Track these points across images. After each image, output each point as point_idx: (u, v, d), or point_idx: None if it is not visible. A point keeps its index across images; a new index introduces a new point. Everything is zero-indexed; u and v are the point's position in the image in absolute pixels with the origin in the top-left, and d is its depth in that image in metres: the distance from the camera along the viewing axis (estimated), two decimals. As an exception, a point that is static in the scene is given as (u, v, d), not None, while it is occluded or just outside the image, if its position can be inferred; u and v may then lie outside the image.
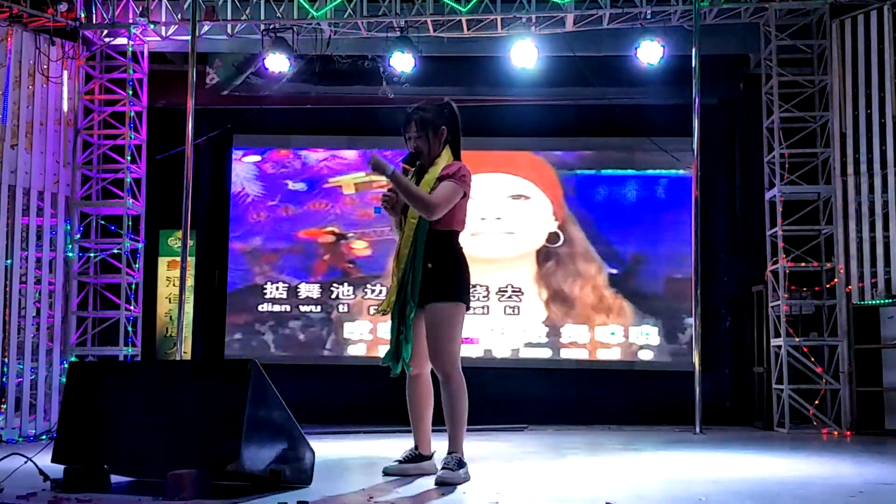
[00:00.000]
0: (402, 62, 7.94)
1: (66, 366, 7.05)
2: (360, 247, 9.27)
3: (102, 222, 8.19)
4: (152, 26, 8.01)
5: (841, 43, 7.76)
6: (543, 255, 9.13)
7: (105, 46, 8.15)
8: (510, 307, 9.08)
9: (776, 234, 7.82)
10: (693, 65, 7.63)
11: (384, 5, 7.88)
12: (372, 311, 9.04)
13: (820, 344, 7.70)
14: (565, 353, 9.01)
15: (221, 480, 3.48)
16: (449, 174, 3.98)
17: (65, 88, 7.86)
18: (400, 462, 4.16)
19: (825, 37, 7.82)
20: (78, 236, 7.95)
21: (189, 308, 8.96)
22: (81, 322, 7.96)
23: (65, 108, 7.87)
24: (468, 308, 4.05)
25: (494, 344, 9.05)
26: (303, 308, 9.25)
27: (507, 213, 9.18)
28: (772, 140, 7.92)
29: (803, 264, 7.79)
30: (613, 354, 8.99)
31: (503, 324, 9.07)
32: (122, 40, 8.09)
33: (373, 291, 9.13)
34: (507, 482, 4.01)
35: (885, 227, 7.38)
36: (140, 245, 8.14)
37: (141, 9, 8.00)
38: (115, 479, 3.67)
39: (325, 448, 5.43)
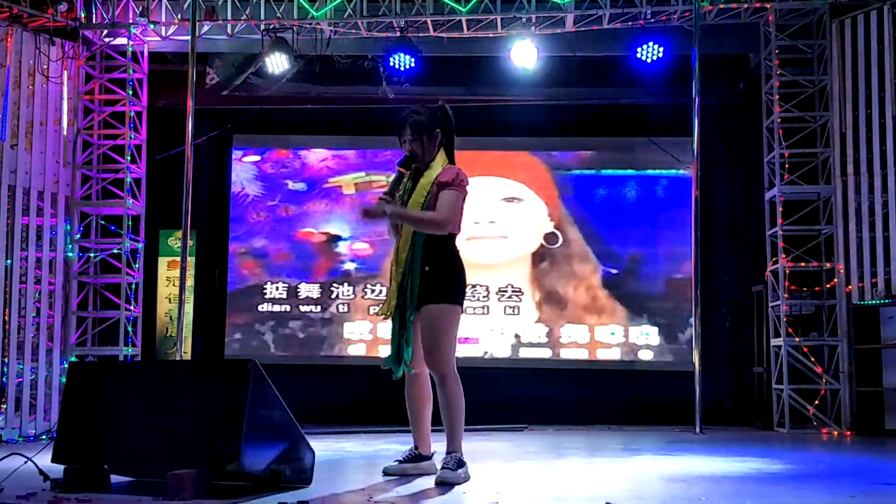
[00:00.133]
0: (402, 62, 7.95)
1: (66, 366, 7.05)
2: (360, 247, 9.27)
3: (102, 222, 8.19)
4: (152, 26, 8.01)
5: (841, 43, 7.76)
6: (540, 257, 9.13)
7: (105, 46, 8.15)
8: (510, 307, 9.08)
9: (776, 234, 7.82)
10: (693, 65, 7.63)
11: (384, 5, 7.88)
12: (372, 311, 9.04)
13: (820, 344, 7.70)
14: (565, 353, 9.01)
15: (221, 480, 3.48)
16: (448, 181, 3.99)
17: (65, 88, 7.86)
18: (400, 462, 4.16)
19: (825, 37, 7.82)
20: (78, 236, 7.95)
21: (189, 308, 8.96)
22: (81, 322, 7.96)
23: (65, 108, 7.87)
24: (462, 310, 4.07)
25: (494, 344, 9.05)
26: (303, 308, 9.25)
27: (502, 215, 9.17)
28: (772, 140, 7.92)
29: (803, 264, 7.79)
30: (613, 354, 8.99)
31: (503, 324, 9.07)
32: (122, 40, 8.09)
33: (373, 291, 9.13)
34: (507, 482, 4.01)
35: (885, 227, 7.39)
36: (140, 245, 8.14)
37: (141, 9, 8.00)
38: (115, 479, 3.68)
39: (325, 448, 5.43)
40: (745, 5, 7.78)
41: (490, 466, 4.68)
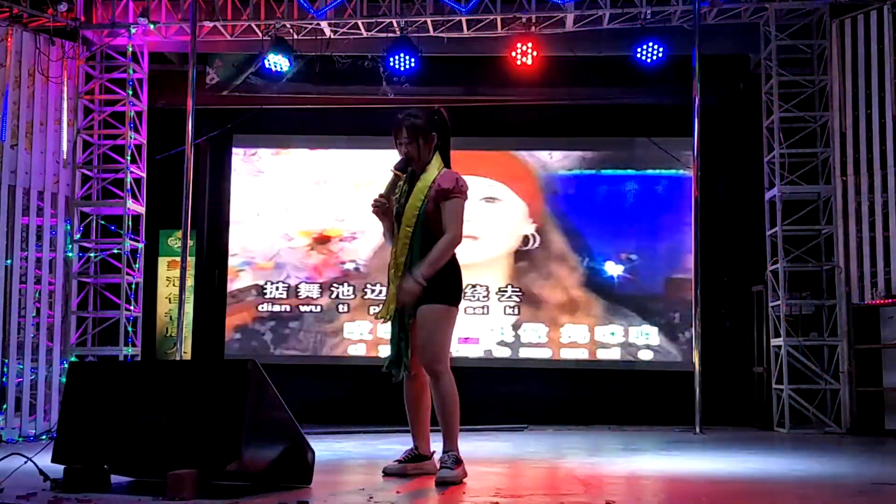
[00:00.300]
0: (402, 62, 7.95)
1: (66, 366, 7.06)
2: (360, 247, 9.26)
3: (102, 222, 8.19)
4: (152, 26, 8.01)
5: (841, 43, 7.77)
6: (536, 256, 9.13)
7: (105, 46, 8.15)
8: (510, 307, 9.09)
9: (776, 234, 7.82)
10: (693, 65, 7.63)
11: (384, 5, 7.88)
12: (372, 312, 9.04)
13: (820, 344, 7.70)
14: (565, 353, 9.01)
15: (221, 480, 3.48)
16: (450, 189, 4.00)
17: (65, 88, 7.86)
18: (400, 462, 4.17)
19: (825, 37, 7.82)
20: (78, 236, 7.95)
21: (189, 308, 8.96)
22: (81, 322, 7.96)
23: (65, 108, 7.87)
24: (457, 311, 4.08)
25: (494, 344, 9.05)
26: (303, 308, 9.25)
27: (487, 216, 9.18)
28: (772, 140, 7.92)
29: (803, 264, 7.79)
30: (613, 354, 8.99)
31: (503, 324, 9.07)
32: (122, 40, 8.09)
33: (373, 291, 9.13)
34: (507, 482, 4.01)
35: (885, 227, 7.39)
36: (140, 245, 8.14)
37: (141, 9, 8.00)
38: (115, 479, 3.67)
39: (325, 448, 5.43)
40: (745, 5, 7.78)
41: (490, 466, 4.68)
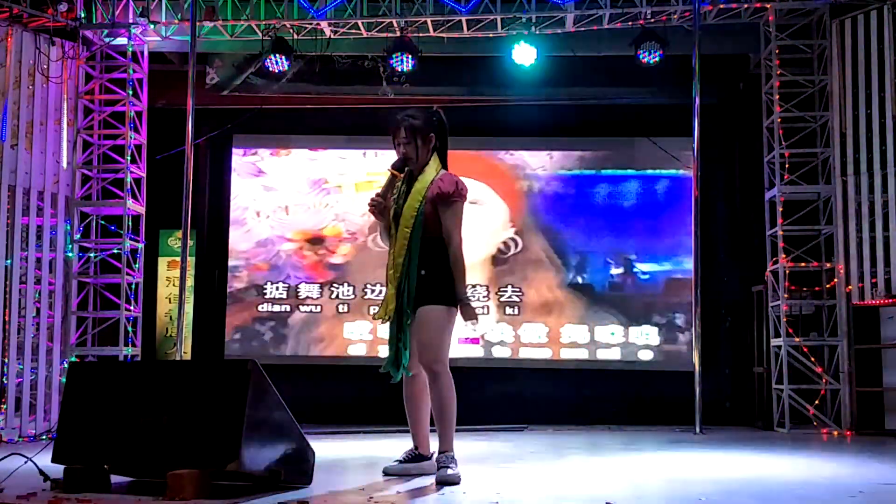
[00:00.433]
0: (402, 62, 7.94)
1: (66, 366, 7.06)
2: (360, 247, 9.26)
3: (102, 222, 8.19)
4: (152, 26, 8.01)
5: (841, 43, 7.76)
6: (536, 256, 9.13)
7: (105, 46, 8.15)
8: (510, 307, 9.08)
9: (776, 234, 7.82)
10: (693, 65, 7.63)
11: (384, 5, 7.88)
12: (371, 312, 9.04)
13: (820, 344, 7.70)
14: (565, 353, 9.01)
15: (221, 480, 3.48)
16: (450, 193, 4.02)
17: (65, 88, 7.86)
18: (400, 462, 4.18)
19: (825, 37, 7.82)
20: (78, 236, 7.95)
21: (189, 308, 8.96)
22: (81, 322, 7.95)
23: (65, 108, 7.87)
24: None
25: (494, 344, 9.05)
26: (303, 308, 9.25)
27: (498, 214, 9.18)
28: (772, 140, 7.92)
29: (803, 264, 7.79)
30: (613, 354, 8.99)
31: (503, 324, 9.07)
32: (122, 40, 8.09)
33: (373, 291, 9.13)
34: (507, 482, 4.01)
35: (885, 227, 7.39)
36: (140, 245, 8.14)
37: (141, 9, 8.00)
38: (115, 479, 3.68)
39: (325, 448, 5.43)
40: (745, 5, 7.78)
41: (490, 466, 4.68)
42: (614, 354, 8.99)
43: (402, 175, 4.11)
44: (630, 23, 7.85)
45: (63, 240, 7.77)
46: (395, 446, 4.83)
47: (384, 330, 4.20)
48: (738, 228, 9.07)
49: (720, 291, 8.88)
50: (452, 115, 4.32)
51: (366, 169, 9.29)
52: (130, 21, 8.03)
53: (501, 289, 9.10)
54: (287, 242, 9.33)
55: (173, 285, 9.12)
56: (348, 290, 9.21)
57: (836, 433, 7.32)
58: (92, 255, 8.06)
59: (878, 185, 7.47)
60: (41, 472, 3.62)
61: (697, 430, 7.23)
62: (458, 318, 4.05)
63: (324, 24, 7.96)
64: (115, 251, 8.00)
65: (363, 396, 8.13)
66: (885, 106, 7.46)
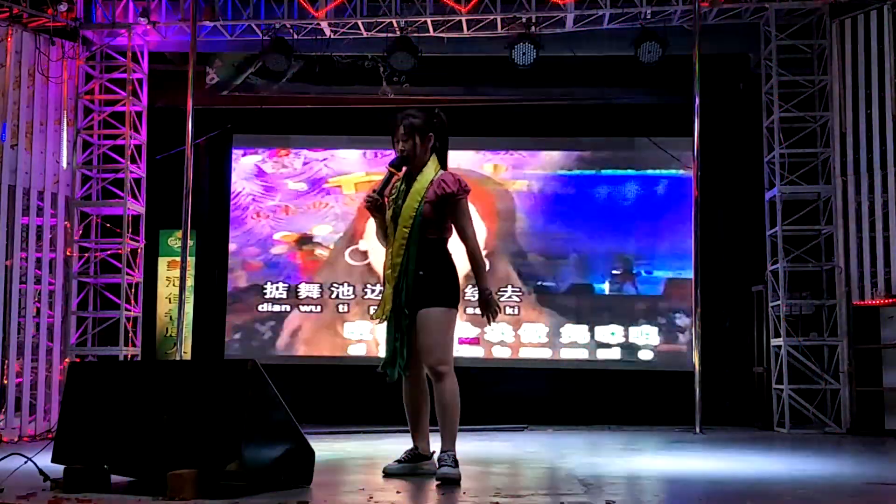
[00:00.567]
0: (402, 62, 7.94)
1: (67, 366, 7.05)
2: (360, 247, 9.26)
3: (102, 222, 8.19)
4: (152, 26, 8.00)
5: (841, 43, 7.77)
6: (536, 256, 9.13)
7: (105, 46, 8.15)
8: (510, 307, 9.08)
9: (776, 234, 7.82)
10: (693, 65, 7.63)
11: (384, 5, 7.88)
12: (372, 312, 9.02)
13: (820, 344, 7.70)
14: (565, 353, 9.01)
15: (221, 480, 3.48)
16: (455, 192, 4.03)
17: (65, 88, 7.86)
18: (400, 462, 4.17)
19: (825, 37, 7.82)
20: (78, 237, 7.95)
21: (189, 308, 8.96)
22: (81, 322, 7.96)
23: (65, 108, 7.87)
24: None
25: (494, 344, 9.05)
26: (303, 308, 9.25)
27: (498, 214, 9.18)
28: (772, 140, 7.92)
29: (803, 264, 7.79)
30: (613, 354, 8.99)
31: (503, 324, 9.06)
32: (122, 40, 8.09)
33: (372, 291, 9.13)
34: (507, 482, 4.01)
35: (885, 227, 7.39)
36: (140, 245, 8.14)
37: (141, 9, 8.00)
38: (115, 479, 3.67)
39: (325, 448, 5.43)
40: (745, 5, 7.78)
41: (490, 466, 4.68)
42: (614, 354, 8.99)
43: (399, 173, 4.12)
44: (630, 23, 7.85)
45: (63, 240, 7.77)
46: (395, 446, 4.83)
47: (383, 330, 4.20)
48: (738, 228, 9.06)
49: (720, 291, 8.87)
50: (452, 115, 4.33)
51: (366, 169, 9.29)
52: (130, 21, 8.03)
53: (501, 289, 9.10)
54: (287, 242, 9.33)
55: (173, 285, 9.12)
56: (348, 290, 9.21)
57: (836, 433, 7.32)
58: (92, 255, 8.06)
59: (878, 185, 7.47)
60: (41, 472, 3.62)
61: (697, 430, 7.23)
62: (459, 319, 4.06)
63: (324, 24, 7.96)
64: (116, 251, 7.99)
65: (363, 396, 8.12)
66: (885, 106, 7.46)
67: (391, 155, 4.21)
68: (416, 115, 4.14)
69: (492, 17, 7.87)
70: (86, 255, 8.05)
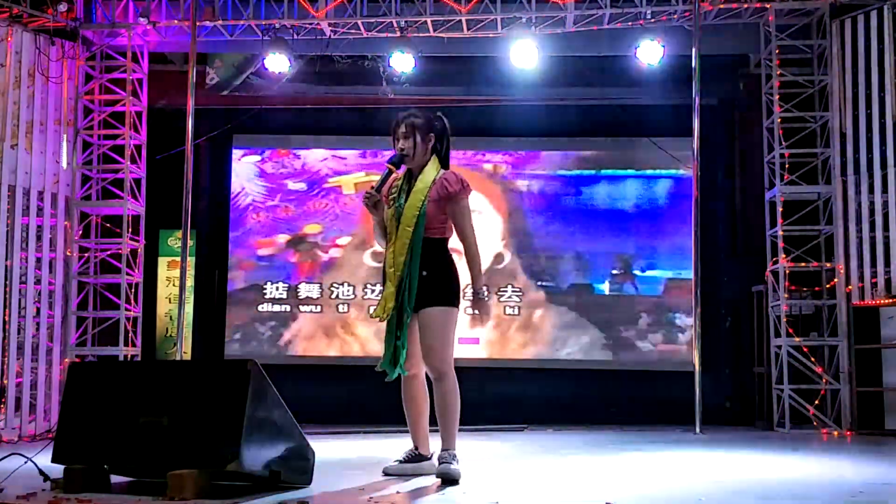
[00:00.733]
0: (402, 62, 7.95)
1: (67, 366, 7.05)
2: (360, 247, 9.26)
3: (102, 222, 8.19)
4: (152, 26, 8.00)
5: (841, 43, 7.76)
6: (536, 256, 9.13)
7: (105, 46, 8.15)
8: (510, 307, 9.08)
9: (776, 234, 7.82)
10: (693, 65, 7.63)
11: (384, 5, 7.88)
12: (372, 312, 9.02)
13: (820, 344, 7.70)
14: (565, 353, 9.01)
15: (221, 480, 3.48)
16: (458, 191, 4.04)
17: (65, 88, 7.86)
18: (400, 462, 4.18)
19: (825, 37, 7.82)
20: (78, 237, 7.95)
21: (189, 308, 8.96)
22: (81, 322, 7.96)
23: (65, 108, 7.87)
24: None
25: (494, 344, 9.05)
26: (303, 308, 9.25)
27: (498, 214, 9.18)
28: (772, 140, 7.92)
29: (803, 264, 7.79)
30: (613, 354, 8.99)
31: (503, 324, 9.06)
32: (122, 40, 8.09)
33: (372, 291, 9.13)
34: (507, 482, 4.01)
35: (885, 227, 7.39)
36: (140, 245, 8.13)
37: (141, 9, 8.00)
38: (115, 479, 3.67)
39: (325, 448, 5.42)
40: (745, 5, 7.78)
41: (490, 466, 4.68)
42: (614, 354, 8.99)
43: (398, 171, 4.13)
44: (630, 23, 7.85)
45: (63, 240, 7.77)
46: (395, 446, 4.83)
47: (383, 329, 4.20)
48: (738, 228, 9.07)
49: (720, 291, 8.88)
50: (452, 115, 4.33)
51: (366, 169, 9.29)
52: (130, 21, 8.03)
53: (501, 289, 9.10)
54: (287, 242, 9.33)
55: (173, 285, 9.12)
56: (348, 290, 9.21)
57: (836, 433, 7.32)
58: (92, 255, 8.06)
59: (878, 185, 7.47)
60: (41, 472, 3.62)
61: (697, 430, 7.22)
62: (459, 318, 4.05)
63: (324, 24, 7.96)
64: (116, 251, 7.99)
65: (363, 396, 8.11)
66: (885, 106, 7.46)
67: (391, 154, 4.21)
68: (418, 115, 4.15)
69: (492, 18, 7.87)
70: (86, 255, 8.05)
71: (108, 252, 8.07)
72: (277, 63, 8.01)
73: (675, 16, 7.81)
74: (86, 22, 8.00)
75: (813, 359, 7.66)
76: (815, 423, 7.52)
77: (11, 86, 7.31)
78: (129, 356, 7.79)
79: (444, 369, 3.97)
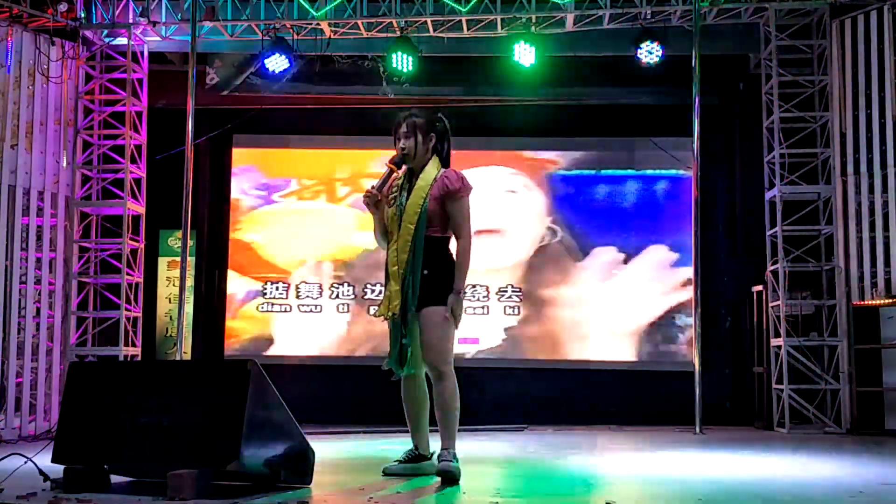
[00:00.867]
0: (402, 62, 7.94)
1: (67, 366, 7.05)
2: (360, 247, 9.26)
3: (102, 222, 8.19)
4: (152, 26, 8.00)
5: (841, 43, 7.77)
6: (537, 257, 9.13)
7: (105, 46, 8.15)
8: (510, 307, 9.08)
9: (776, 234, 7.82)
10: (693, 65, 7.63)
11: (384, 5, 7.88)
12: (372, 311, 9.04)
13: (820, 344, 7.70)
14: (565, 353, 9.01)
15: (221, 480, 3.48)
16: (458, 189, 4.04)
17: (65, 88, 7.86)
18: (400, 462, 4.18)
19: (825, 37, 7.82)
20: (78, 236, 7.95)
21: (189, 308, 8.96)
22: (81, 322, 7.95)
23: (65, 108, 7.87)
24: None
25: (495, 344, 9.04)
26: (303, 308, 9.25)
27: (499, 213, 9.18)
28: (772, 140, 7.92)
29: (803, 264, 7.79)
30: (614, 354, 8.99)
31: (503, 324, 9.06)
32: (122, 40, 8.09)
33: (372, 291, 9.13)
34: (507, 482, 4.01)
35: (885, 227, 7.39)
36: (140, 245, 8.14)
37: (141, 9, 8.00)
38: (115, 479, 3.68)
39: (325, 448, 5.43)
40: (745, 5, 7.78)
41: (490, 466, 4.68)
42: (615, 354, 8.99)
43: (399, 171, 4.13)
44: (630, 23, 7.85)
45: (63, 240, 7.76)
46: (395, 446, 4.84)
47: (384, 329, 4.20)
48: (738, 228, 9.07)
49: (720, 291, 8.88)
50: (452, 115, 4.34)
51: (365, 169, 9.28)
52: (130, 21, 8.03)
53: (501, 289, 9.10)
54: (287, 242, 9.32)
55: (173, 285, 9.12)
56: (348, 290, 9.21)
57: (836, 433, 7.32)
58: (92, 255, 8.06)
59: (878, 185, 7.47)
60: (41, 472, 3.62)
61: (697, 430, 7.23)
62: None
63: (324, 24, 7.96)
64: (116, 251, 7.99)
65: (363, 396, 8.12)
66: (885, 106, 7.46)
67: (391, 155, 4.21)
68: (419, 115, 4.16)
69: (492, 18, 7.87)
70: (86, 255, 8.05)
71: (109, 252, 8.07)
72: (277, 63, 8.01)
73: (675, 16, 7.81)
74: (86, 22, 7.99)
75: (813, 359, 7.66)
76: (815, 423, 7.52)
77: (11, 86, 7.31)
78: (129, 356, 7.79)
79: (444, 369, 3.97)
